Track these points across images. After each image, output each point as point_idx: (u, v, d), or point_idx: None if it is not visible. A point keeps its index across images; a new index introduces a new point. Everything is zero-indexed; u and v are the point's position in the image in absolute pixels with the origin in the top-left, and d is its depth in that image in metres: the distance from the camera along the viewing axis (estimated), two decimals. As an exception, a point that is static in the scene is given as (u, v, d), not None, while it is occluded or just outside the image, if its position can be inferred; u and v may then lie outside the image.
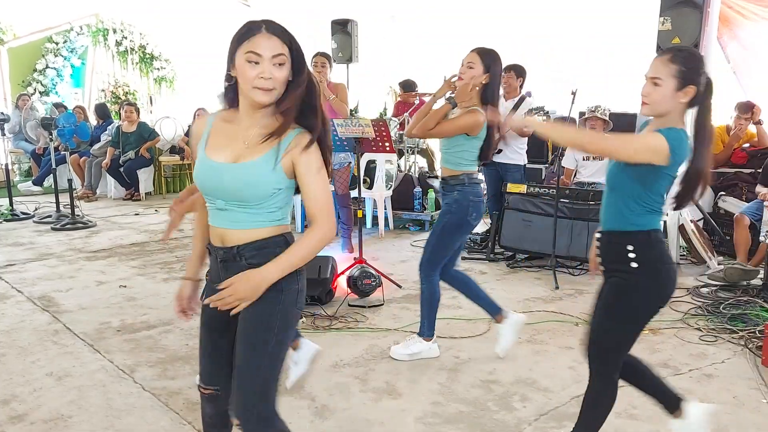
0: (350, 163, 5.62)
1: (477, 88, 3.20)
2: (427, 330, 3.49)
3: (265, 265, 1.73)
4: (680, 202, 2.25)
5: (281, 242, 1.80)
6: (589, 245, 5.09)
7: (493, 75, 3.20)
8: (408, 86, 8.23)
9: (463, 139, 3.24)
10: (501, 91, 5.80)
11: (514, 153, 5.76)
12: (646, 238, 2.18)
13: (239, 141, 1.76)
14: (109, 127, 9.43)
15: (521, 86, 5.79)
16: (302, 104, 1.75)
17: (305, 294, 1.88)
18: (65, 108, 9.16)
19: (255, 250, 1.77)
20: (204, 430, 2.06)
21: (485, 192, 6.65)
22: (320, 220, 1.77)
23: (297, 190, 1.82)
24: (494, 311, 3.49)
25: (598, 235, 2.29)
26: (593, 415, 2.36)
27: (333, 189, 5.81)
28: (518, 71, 5.75)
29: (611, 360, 2.28)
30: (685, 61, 2.07)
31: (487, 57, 3.19)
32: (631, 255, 2.16)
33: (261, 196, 1.74)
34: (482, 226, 6.76)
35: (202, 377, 1.98)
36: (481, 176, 3.35)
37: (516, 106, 5.69)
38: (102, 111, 9.79)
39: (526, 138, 5.80)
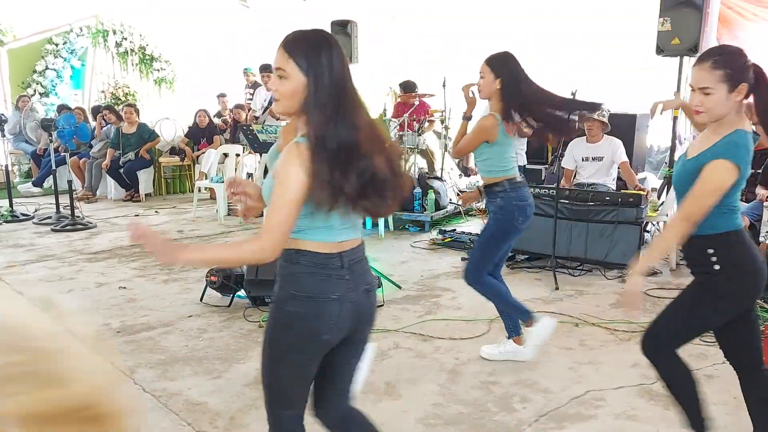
0: None
1: (495, 95, 3.19)
2: (513, 330, 3.45)
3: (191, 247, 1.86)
4: None
5: (293, 255, 1.71)
6: (589, 246, 5.15)
7: (508, 76, 3.16)
8: (408, 87, 8.22)
9: (484, 147, 3.26)
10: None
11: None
12: (725, 240, 2.17)
13: None
14: (104, 129, 9.43)
15: None
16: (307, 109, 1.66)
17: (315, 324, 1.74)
18: (69, 110, 9.17)
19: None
20: None
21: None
22: (262, 234, 1.62)
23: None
24: (525, 317, 3.42)
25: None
26: (681, 400, 2.41)
27: None
28: None
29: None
30: (728, 64, 2.06)
31: (495, 61, 3.18)
32: (713, 258, 2.15)
33: None
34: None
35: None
36: (522, 179, 3.39)
37: None
38: (97, 114, 9.80)
39: (525, 138, 5.79)
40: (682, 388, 2.38)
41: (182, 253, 1.65)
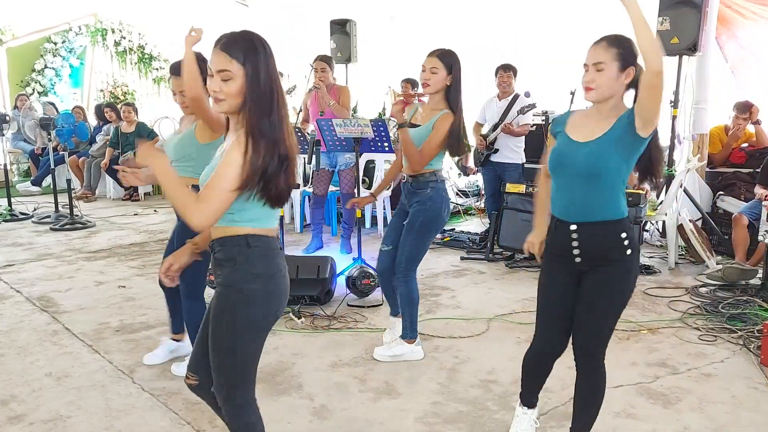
0: (356, 163, 5.61)
1: (441, 92, 3.19)
2: (410, 332, 3.45)
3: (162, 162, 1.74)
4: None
5: (241, 242, 1.85)
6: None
7: (456, 74, 3.18)
8: (412, 82, 8.16)
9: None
10: (497, 91, 5.88)
11: (512, 152, 5.75)
12: (629, 223, 2.26)
13: None
14: (105, 127, 9.42)
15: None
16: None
17: (276, 299, 1.92)
18: (53, 105, 9.18)
19: (219, 246, 1.88)
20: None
21: (483, 192, 6.65)
22: (201, 202, 1.73)
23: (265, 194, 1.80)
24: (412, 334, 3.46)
25: (574, 227, 2.22)
26: (596, 411, 2.42)
27: (339, 188, 5.80)
28: (515, 71, 5.77)
29: (604, 350, 2.36)
30: (621, 45, 2.13)
31: (448, 58, 3.16)
32: (626, 242, 2.20)
33: None
34: (481, 226, 6.76)
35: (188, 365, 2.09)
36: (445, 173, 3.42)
37: (510, 105, 5.70)
38: (100, 112, 9.78)
39: (523, 136, 5.80)
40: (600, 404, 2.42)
41: (158, 159, 1.74)
